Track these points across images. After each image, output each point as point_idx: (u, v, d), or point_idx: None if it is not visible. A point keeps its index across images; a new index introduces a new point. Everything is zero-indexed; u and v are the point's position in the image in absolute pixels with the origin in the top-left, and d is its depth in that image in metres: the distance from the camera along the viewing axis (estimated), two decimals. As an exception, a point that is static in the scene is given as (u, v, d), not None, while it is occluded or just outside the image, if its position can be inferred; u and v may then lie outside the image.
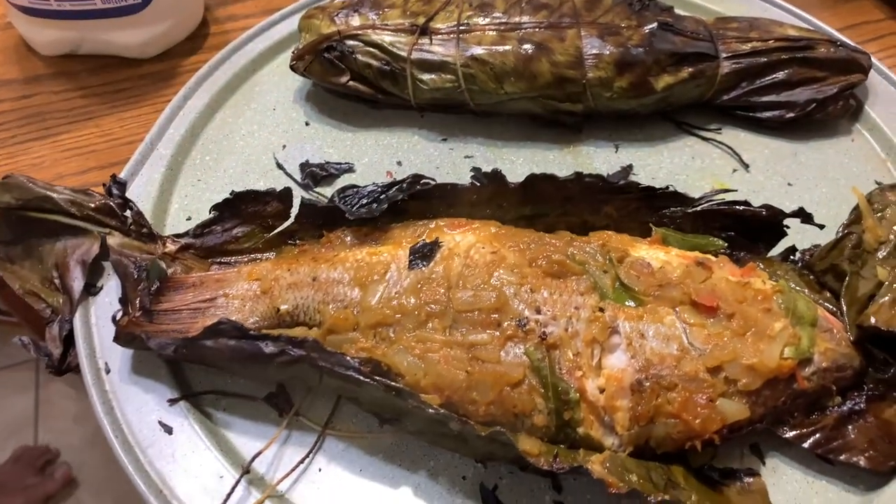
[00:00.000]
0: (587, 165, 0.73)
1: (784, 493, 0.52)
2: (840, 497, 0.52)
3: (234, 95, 0.79)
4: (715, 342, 0.50)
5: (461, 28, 0.72)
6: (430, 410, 0.48)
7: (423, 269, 0.54)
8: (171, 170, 0.71)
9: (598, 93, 0.71)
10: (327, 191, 0.70)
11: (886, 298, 0.52)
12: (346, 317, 0.53)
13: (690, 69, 0.72)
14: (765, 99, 0.74)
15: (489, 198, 0.61)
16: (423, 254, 0.55)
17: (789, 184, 0.71)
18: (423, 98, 0.73)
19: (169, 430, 0.54)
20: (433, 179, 0.61)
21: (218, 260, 0.62)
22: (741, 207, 0.59)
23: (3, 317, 1.40)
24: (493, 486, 0.53)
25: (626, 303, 0.52)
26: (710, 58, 0.72)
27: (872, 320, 0.52)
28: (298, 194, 0.64)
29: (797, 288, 0.57)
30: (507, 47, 0.71)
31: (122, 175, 0.67)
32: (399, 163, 0.73)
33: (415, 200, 0.60)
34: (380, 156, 0.74)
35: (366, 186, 0.61)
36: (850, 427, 0.52)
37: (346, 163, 0.73)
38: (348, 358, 0.50)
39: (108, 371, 0.57)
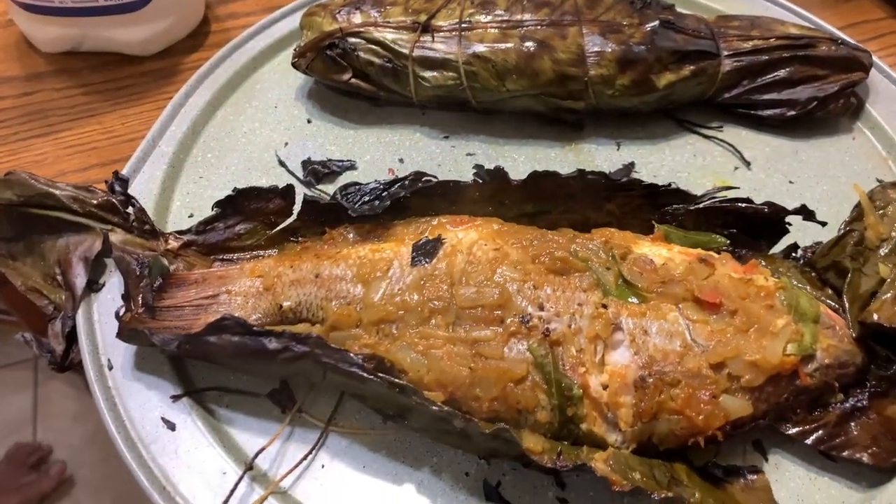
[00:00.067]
0: (589, 163, 0.73)
1: (787, 489, 0.52)
2: (843, 493, 0.52)
3: (236, 93, 0.79)
4: (718, 338, 0.50)
5: (463, 25, 0.72)
6: (434, 407, 0.48)
7: (426, 265, 0.54)
8: (173, 167, 0.71)
9: (599, 90, 0.71)
10: (329, 188, 0.70)
11: (889, 295, 0.53)
12: (349, 313, 0.53)
13: (692, 67, 0.72)
14: (766, 97, 0.74)
15: (491, 195, 0.61)
16: (426, 250, 0.55)
17: (790, 182, 0.71)
18: (424, 95, 0.73)
19: (172, 427, 0.54)
20: (435, 177, 0.61)
21: (220, 257, 0.62)
22: (743, 205, 0.59)
23: (3, 316, 1.39)
24: (497, 482, 0.53)
25: (630, 299, 0.52)
26: (712, 56, 0.72)
27: (875, 317, 0.52)
28: (301, 191, 0.64)
29: (799, 285, 0.57)
30: (509, 45, 0.71)
31: (123, 172, 0.67)
32: (401, 160, 0.73)
33: (417, 198, 0.60)
34: (382, 153, 0.74)
35: (368, 184, 0.61)
36: (852, 424, 0.52)
37: (348, 160, 0.73)
38: (352, 354, 0.50)
39: (110, 367, 0.57)
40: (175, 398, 0.55)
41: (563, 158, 0.73)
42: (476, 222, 0.58)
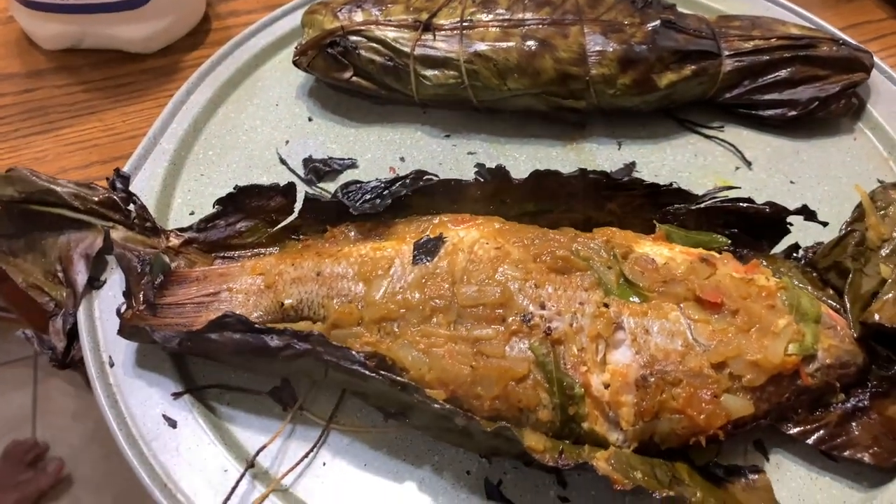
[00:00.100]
0: (590, 162, 0.73)
1: (788, 489, 0.52)
2: (844, 493, 0.52)
3: (237, 91, 0.79)
4: (719, 338, 0.50)
5: (464, 24, 0.72)
6: (436, 405, 0.48)
7: (428, 264, 0.54)
8: (174, 164, 0.70)
9: (601, 90, 0.71)
10: (330, 186, 0.70)
11: (890, 295, 0.53)
12: (351, 311, 0.53)
13: (693, 67, 0.72)
14: (767, 97, 0.74)
15: (493, 194, 0.61)
16: (427, 249, 0.55)
17: (791, 182, 0.71)
18: (426, 94, 0.73)
19: (173, 424, 0.54)
20: (436, 175, 0.61)
21: (221, 254, 0.62)
22: (744, 205, 0.59)
23: (2, 313, 1.39)
24: (498, 480, 0.53)
25: (631, 298, 0.52)
26: (713, 55, 0.72)
27: (876, 317, 0.52)
28: (302, 189, 0.64)
29: (801, 285, 0.57)
30: (511, 44, 0.71)
31: (125, 169, 0.67)
32: (402, 159, 0.73)
33: (418, 196, 0.60)
34: (383, 152, 0.74)
35: (369, 182, 0.61)
36: (853, 424, 0.52)
37: (349, 158, 0.73)
38: (354, 352, 0.50)
39: (111, 364, 0.57)
40: (176, 395, 0.55)
41: (564, 157, 0.73)
42: (477, 221, 0.58)
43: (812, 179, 0.71)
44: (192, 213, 0.68)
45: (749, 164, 0.73)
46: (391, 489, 0.53)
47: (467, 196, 0.61)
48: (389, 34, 0.72)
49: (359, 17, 0.74)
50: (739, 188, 0.65)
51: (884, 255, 0.55)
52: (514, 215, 0.61)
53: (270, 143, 0.74)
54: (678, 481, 0.48)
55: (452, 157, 0.73)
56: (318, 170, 0.71)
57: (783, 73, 0.73)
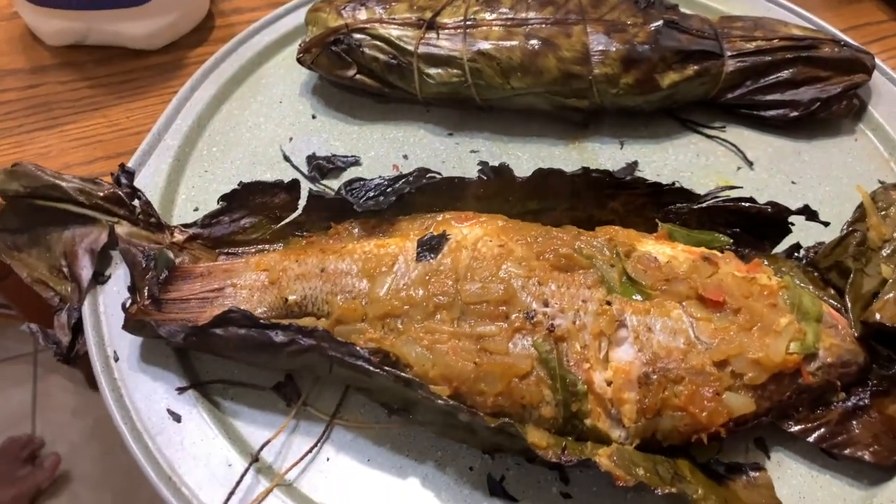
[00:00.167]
0: (592, 161, 0.73)
1: (789, 486, 0.53)
2: (844, 491, 0.52)
3: (241, 87, 0.79)
4: (721, 336, 0.51)
5: (468, 23, 0.72)
6: (440, 401, 0.49)
7: (431, 261, 0.55)
8: (179, 160, 0.71)
9: (603, 89, 0.72)
10: (334, 183, 0.70)
11: (891, 295, 0.53)
12: (355, 308, 0.54)
13: (696, 67, 0.72)
14: (769, 97, 0.74)
15: (496, 192, 0.61)
16: (431, 246, 0.56)
17: (793, 182, 0.71)
18: (429, 92, 0.74)
19: (178, 419, 0.54)
20: (439, 173, 0.61)
21: (225, 250, 0.62)
22: (746, 204, 0.59)
23: (2, 310, 1.40)
24: (501, 477, 0.53)
25: (634, 296, 0.53)
26: (715, 56, 0.73)
27: (877, 316, 0.52)
28: (305, 186, 0.64)
29: (802, 284, 0.57)
30: (514, 43, 0.71)
31: (129, 165, 0.67)
32: (405, 156, 0.73)
33: (422, 194, 0.60)
34: (386, 149, 0.74)
35: (372, 179, 0.61)
36: (854, 422, 0.52)
37: (352, 156, 0.73)
38: (358, 348, 0.50)
39: (116, 359, 0.57)
40: (181, 390, 0.56)
41: (566, 156, 0.74)
42: (481, 219, 0.59)
43: (813, 180, 0.71)
44: (195, 210, 0.68)
45: (751, 164, 0.73)
46: (394, 485, 0.53)
47: (470, 194, 0.61)
48: (393, 32, 0.72)
49: (362, 15, 0.74)
50: (741, 188, 0.65)
51: (885, 255, 0.55)
52: (517, 213, 0.61)
53: (274, 140, 0.74)
54: (680, 478, 0.48)
55: (455, 155, 0.74)
56: (321, 167, 0.72)
57: (785, 74, 0.73)
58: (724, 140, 0.75)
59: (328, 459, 0.54)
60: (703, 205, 0.60)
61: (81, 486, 1.50)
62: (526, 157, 0.74)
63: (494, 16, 0.73)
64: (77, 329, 0.59)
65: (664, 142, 0.75)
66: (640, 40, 0.71)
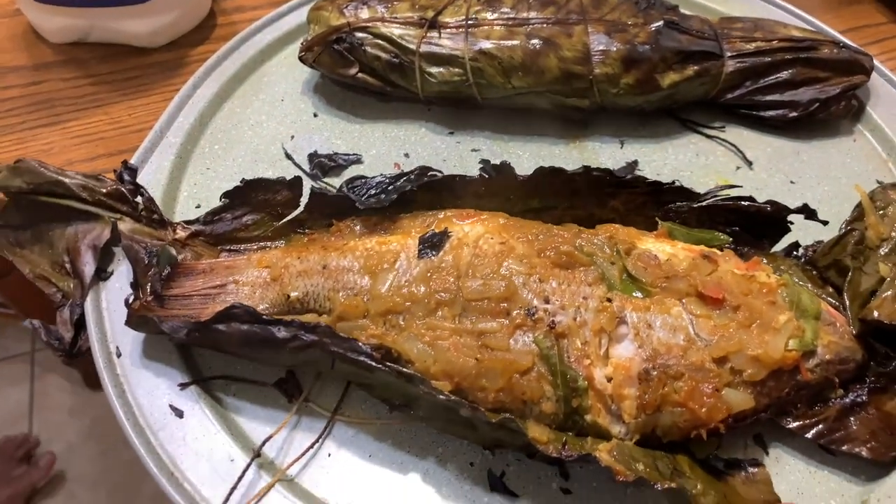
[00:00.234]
0: (593, 160, 0.73)
1: (787, 482, 0.53)
2: (842, 486, 0.53)
3: (243, 86, 0.79)
4: (721, 333, 0.51)
5: (469, 22, 0.73)
6: (441, 396, 0.49)
7: (433, 258, 0.55)
8: (181, 158, 0.71)
9: (604, 89, 0.72)
10: (335, 181, 0.70)
11: (889, 293, 0.53)
12: (357, 304, 0.54)
13: (696, 67, 0.73)
14: (768, 98, 0.75)
15: (497, 190, 0.61)
16: (433, 243, 0.56)
17: (792, 182, 0.72)
18: (431, 91, 0.74)
19: (180, 414, 0.55)
20: (440, 172, 0.61)
21: (227, 247, 0.62)
22: (746, 203, 0.59)
23: (1, 309, 1.39)
24: (501, 472, 0.53)
25: (634, 294, 0.53)
26: (715, 56, 0.73)
27: (875, 314, 0.53)
28: (307, 184, 0.64)
29: (801, 282, 0.57)
30: (515, 42, 0.71)
31: (131, 162, 0.68)
32: (406, 155, 0.74)
33: (423, 191, 0.61)
34: (387, 148, 0.74)
35: (374, 177, 0.62)
36: (852, 418, 0.53)
37: (354, 154, 0.73)
38: (360, 344, 0.50)
39: (119, 355, 0.57)
40: (183, 386, 0.56)
41: (567, 155, 0.74)
42: (482, 216, 0.59)
43: (812, 179, 0.72)
44: (198, 207, 0.68)
45: (750, 163, 0.73)
46: (395, 480, 0.53)
47: (471, 192, 0.61)
48: (395, 31, 0.73)
49: (365, 13, 0.74)
50: (741, 187, 0.65)
51: (882, 253, 0.56)
52: (518, 212, 0.61)
53: (276, 137, 0.75)
54: (679, 473, 0.49)
55: (456, 153, 0.74)
56: (323, 165, 0.72)
57: (784, 75, 0.74)
58: (723, 140, 0.75)
59: (330, 455, 0.54)
60: (703, 204, 0.60)
61: (78, 486, 1.49)
62: (527, 155, 0.74)
63: (496, 15, 0.73)
64: (79, 325, 0.59)
65: (664, 141, 0.75)
66: (640, 40, 0.72)
